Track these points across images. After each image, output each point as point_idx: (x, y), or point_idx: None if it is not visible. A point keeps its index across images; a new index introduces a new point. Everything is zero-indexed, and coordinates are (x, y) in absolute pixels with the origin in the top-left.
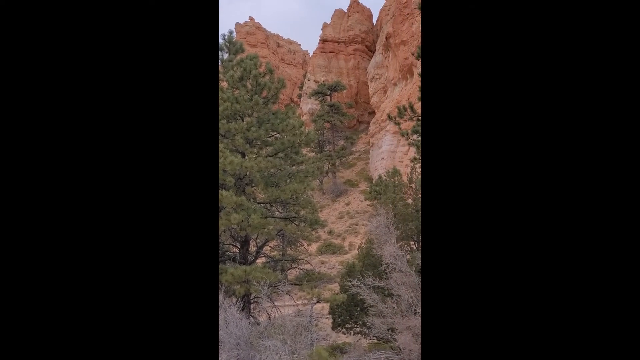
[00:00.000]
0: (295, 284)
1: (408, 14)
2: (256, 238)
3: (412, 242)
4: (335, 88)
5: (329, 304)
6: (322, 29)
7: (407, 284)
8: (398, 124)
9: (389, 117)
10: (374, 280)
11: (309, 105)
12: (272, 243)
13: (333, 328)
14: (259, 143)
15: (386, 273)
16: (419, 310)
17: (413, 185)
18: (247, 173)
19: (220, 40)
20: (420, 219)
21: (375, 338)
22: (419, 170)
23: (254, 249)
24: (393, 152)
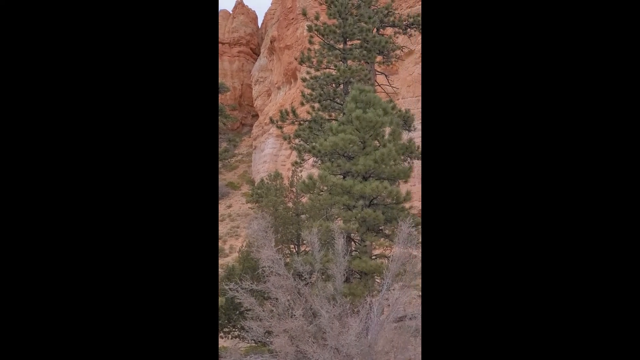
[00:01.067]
0: None
1: (293, 18)
2: None
3: (292, 246)
4: (218, 90)
5: None
6: None
7: (284, 287)
8: (280, 127)
9: (272, 121)
10: (251, 283)
11: None
12: None
13: None
14: None
15: (264, 276)
16: (296, 313)
17: (294, 189)
18: None
19: None
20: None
21: (252, 341)
22: (300, 174)
23: None
24: (276, 155)
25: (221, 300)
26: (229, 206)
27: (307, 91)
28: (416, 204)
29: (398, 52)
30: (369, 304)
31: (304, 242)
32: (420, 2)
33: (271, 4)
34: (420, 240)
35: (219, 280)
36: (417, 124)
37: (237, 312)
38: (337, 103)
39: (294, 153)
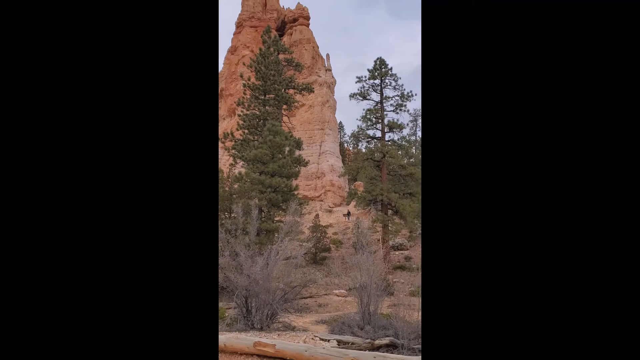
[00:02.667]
0: None
1: (235, 78)
2: None
3: (226, 213)
4: None
5: None
6: None
7: (220, 238)
8: (224, 142)
9: (219, 139)
10: None
11: None
12: None
13: None
14: None
15: None
16: (224, 254)
17: (229, 180)
18: None
19: None
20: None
21: None
22: (234, 171)
23: None
24: (220, 159)
25: None
26: None
27: (241, 122)
28: (301, 191)
29: (296, 104)
30: (269, 249)
31: (233, 211)
32: (309, 77)
33: (222, 66)
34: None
35: None
36: (305, 146)
37: None
38: (258, 131)
39: (231, 159)
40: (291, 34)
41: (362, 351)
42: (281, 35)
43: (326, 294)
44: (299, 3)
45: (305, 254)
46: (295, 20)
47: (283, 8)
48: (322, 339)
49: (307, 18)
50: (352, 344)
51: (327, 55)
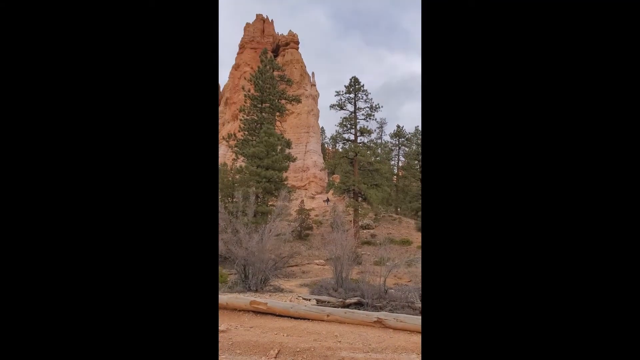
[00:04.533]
0: None
1: (237, 89)
2: None
3: (228, 198)
4: None
5: None
6: None
7: (223, 218)
8: (227, 141)
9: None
10: None
11: None
12: None
13: None
14: None
15: None
16: (227, 230)
17: (232, 171)
18: None
19: None
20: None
21: None
22: (236, 165)
23: None
24: (224, 155)
25: None
26: None
27: (242, 125)
28: (290, 181)
29: (287, 111)
30: (264, 227)
31: (235, 197)
32: (297, 90)
33: (227, 79)
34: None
35: None
36: (294, 145)
37: None
38: (256, 133)
39: (233, 155)
40: (284, 55)
41: (335, 308)
42: (276, 56)
43: (308, 263)
44: (290, 30)
45: (293, 231)
46: (287, 44)
47: (277, 34)
48: (305, 299)
49: (297, 42)
50: (328, 302)
51: (313, 73)
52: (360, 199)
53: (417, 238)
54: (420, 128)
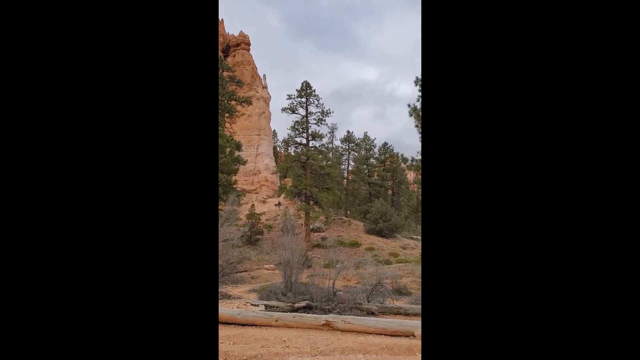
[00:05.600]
0: None
1: None
2: None
3: None
4: None
5: None
6: None
7: None
8: None
9: None
10: None
11: None
12: None
13: None
14: None
15: None
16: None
17: None
18: None
19: None
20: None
21: None
22: None
23: None
24: None
25: None
26: None
27: None
28: (240, 185)
29: (237, 113)
30: None
31: None
32: (248, 92)
33: None
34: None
35: None
36: (244, 148)
37: None
38: None
39: None
40: (234, 56)
41: (284, 312)
42: (226, 57)
43: (258, 268)
44: (241, 31)
45: (242, 236)
46: (238, 45)
47: (228, 34)
48: (253, 305)
49: (248, 44)
50: (277, 307)
51: (264, 75)
52: (311, 202)
53: (365, 240)
54: (369, 134)
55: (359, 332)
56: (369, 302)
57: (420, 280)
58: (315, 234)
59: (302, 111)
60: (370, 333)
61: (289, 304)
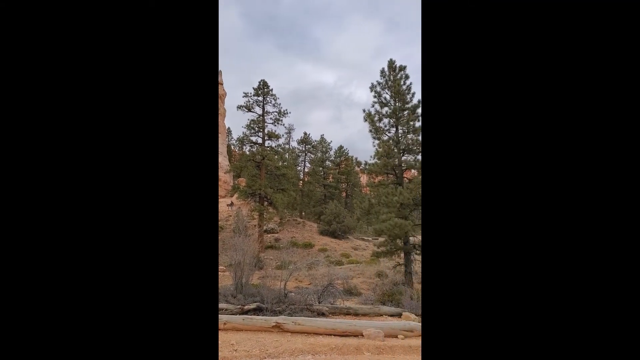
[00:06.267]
0: None
1: None
2: None
3: None
4: None
5: None
6: None
7: None
8: None
9: None
10: None
11: None
12: None
13: None
14: None
15: None
16: None
17: None
18: None
19: None
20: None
21: None
22: None
23: None
24: None
25: None
26: None
27: None
28: None
29: None
30: None
31: None
32: None
33: None
34: None
35: None
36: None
37: None
38: None
39: None
40: None
41: (233, 315)
42: None
43: None
44: None
45: None
46: None
47: None
48: None
49: None
50: (226, 310)
51: (220, 71)
52: (265, 203)
53: (319, 241)
54: (325, 137)
55: (309, 333)
56: (319, 302)
57: (373, 281)
58: (269, 235)
59: (258, 110)
60: (320, 334)
61: (239, 307)
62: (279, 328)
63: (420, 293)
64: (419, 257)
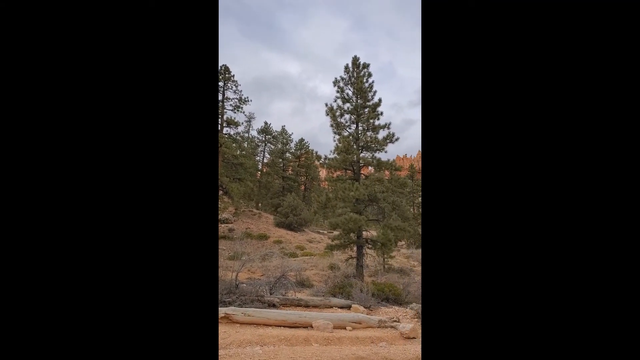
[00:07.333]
0: None
1: None
2: None
3: None
4: None
5: None
6: None
7: None
8: None
9: None
10: None
11: None
12: None
13: None
14: None
15: None
16: None
17: None
18: None
19: None
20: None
21: None
22: None
23: None
24: None
25: None
26: None
27: None
28: None
29: None
30: None
31: None
32: None
33: None
34: None
35: None
36: None
37: None
38: None
39: None
40: None
41: None
42: None
43: None
44: None
45: None
46: None
47: None
48: None
49: None
50: None
51: None
52: (221, 192)
53: (274, 233)
54: (287, 128)
55: (259, 324)
56: (271, 294)
57: (326, 273)
58: (223, 225)
59: (218, 95)
60: (270, 325)
61: None
62: (227, 319)
63: (369, 286)
64: (370, 251)
